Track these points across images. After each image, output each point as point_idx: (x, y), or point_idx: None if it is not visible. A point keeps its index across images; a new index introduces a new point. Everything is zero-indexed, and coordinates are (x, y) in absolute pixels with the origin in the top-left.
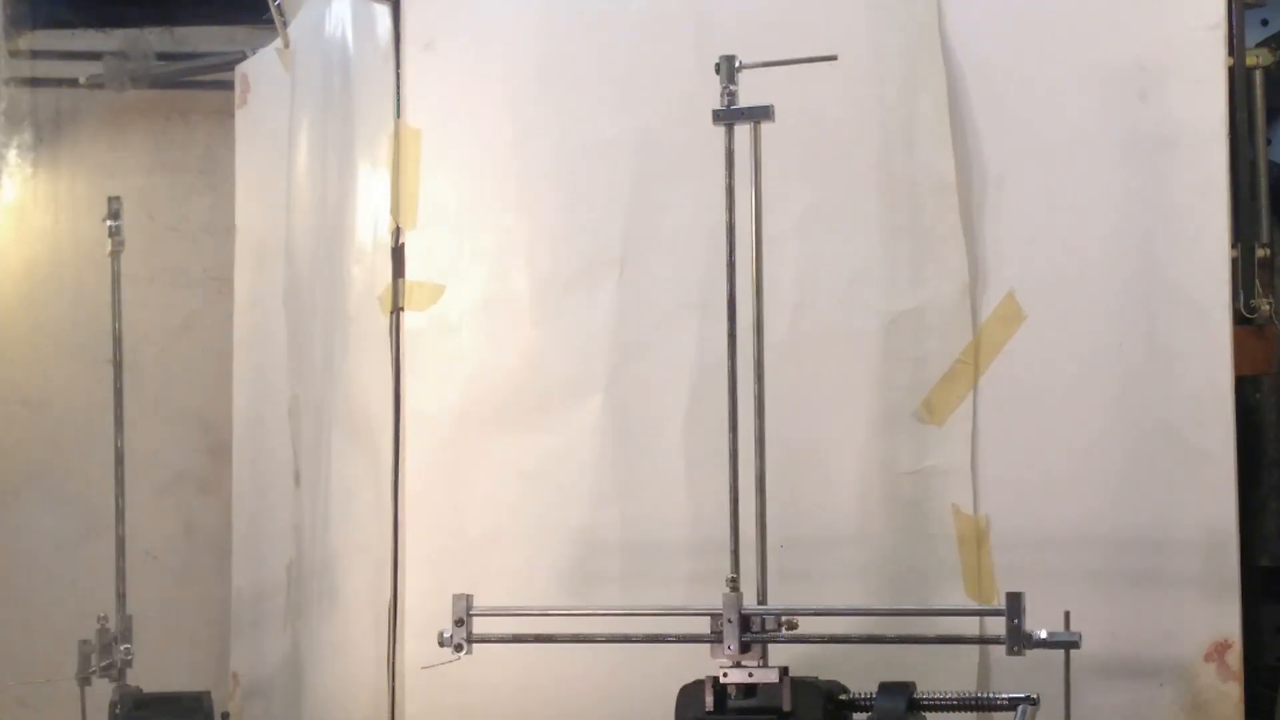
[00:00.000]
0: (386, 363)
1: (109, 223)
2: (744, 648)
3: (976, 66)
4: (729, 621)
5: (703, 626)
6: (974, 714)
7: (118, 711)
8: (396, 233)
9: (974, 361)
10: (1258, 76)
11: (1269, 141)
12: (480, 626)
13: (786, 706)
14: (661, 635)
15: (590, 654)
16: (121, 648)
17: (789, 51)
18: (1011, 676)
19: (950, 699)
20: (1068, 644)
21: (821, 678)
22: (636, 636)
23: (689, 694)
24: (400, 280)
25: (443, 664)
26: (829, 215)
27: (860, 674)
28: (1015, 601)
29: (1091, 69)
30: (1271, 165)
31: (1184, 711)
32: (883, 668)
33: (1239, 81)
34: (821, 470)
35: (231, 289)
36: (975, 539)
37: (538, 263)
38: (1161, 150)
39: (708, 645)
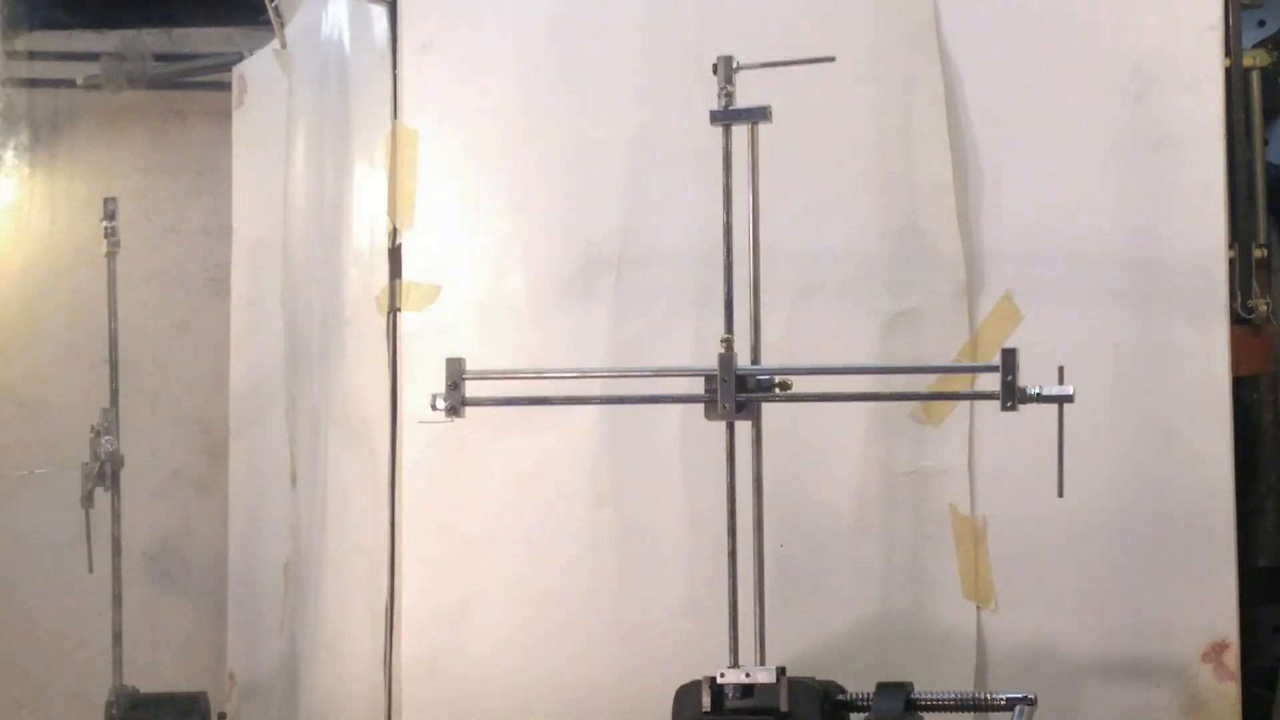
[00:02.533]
0: (383, 363)
1: (105, 223)
2: (739, 407)
3: (973, 67)
4: (724, 381)
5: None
6: (972, 714)
7: (114, 712)
8: (393, 233)
9: (972, 362)
10: (1255, 77)
11: (1266, 142)
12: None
13: (784, 707)
14: (656, 396)
15: (589, 654)
16: (104, 440)
17: (786, 52)
18: (1011, 677)
19: (948, 699)
20: (1061, 398)
21: (819, 678)
22: (631, 398)
23: (686, 694)
24: (397, 281)
25: (437, 422)
26: (826, 215)
27: (858, 674)
28: (1009, 358)
29: (1088, 69)
30: (1268, 166)
31: (1181, 712)
32: (880, 668)
33: (1236, 82)
34: (819, 470)
35: (228, 290)
36: (973, 539)
37: (535, 263)
38: (1159, 151)
39: (709, 644)
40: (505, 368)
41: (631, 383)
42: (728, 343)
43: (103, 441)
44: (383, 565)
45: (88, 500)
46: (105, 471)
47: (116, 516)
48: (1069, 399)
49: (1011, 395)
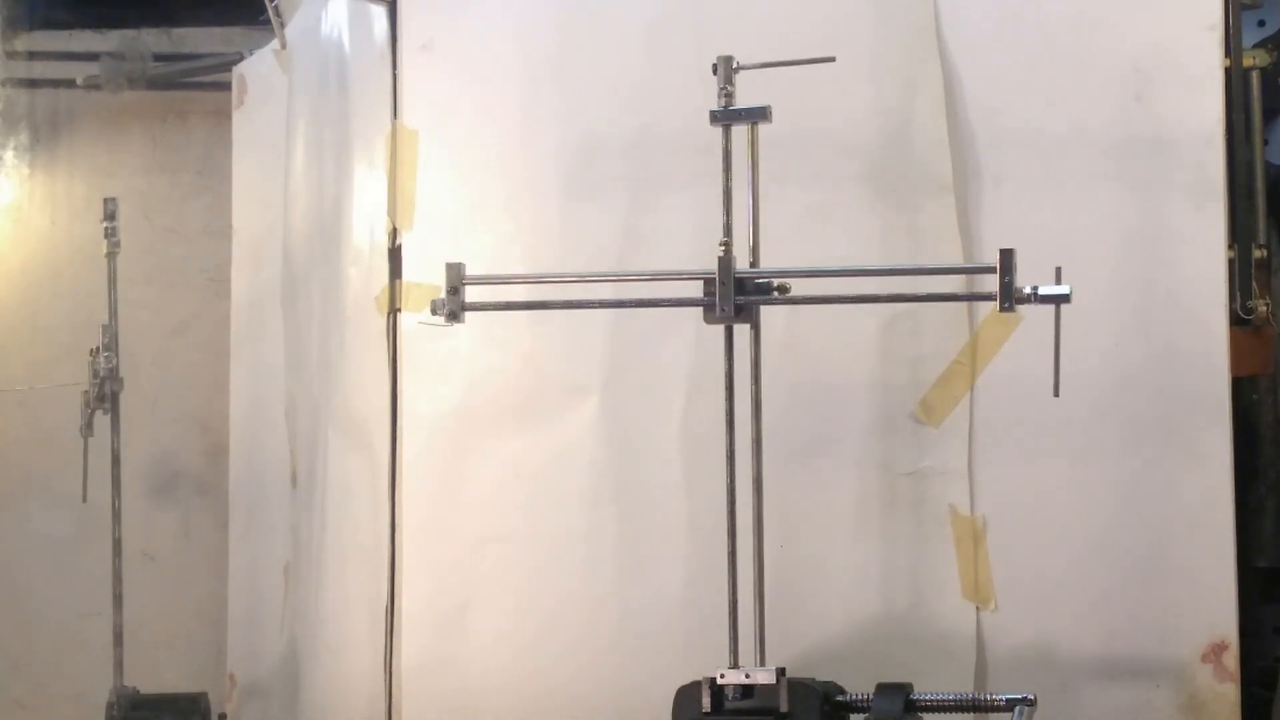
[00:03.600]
0: (384, 364)
1: (105, 223)
2: (738, 310)
3: (973, 67)
4: (722, 284)
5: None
6: (971, 715)
7: (115, 712)
8: (393, 233)
9: (971, 362)
10: (1255, 77)
11: (1266, 142)
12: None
13: (784, 707)
14: (655, 300)
15: (589, 655)
16: (104, 356)
17: (786, 52)
18: (1011, 677)
19: (947, 700)
20: (1059, 298)
21: (819, 678)
22: (629, 302)
23: (686, 695)
24: (397, 281)
25: (436, 325)
26: (826, 216)
27: (858, 675)
28: (1007, 258)
29: (1088, 70)
30: (1268, 166)
31: (1181, 712)
32: (880, 668)
33: (1236, 82)
34: (818, 471)
35: (228, 290)
36: (972, 539)
37: (535, 264)
38: (1158, 151)
39: (707, 646)
40: (506, 361)
41: (635, 304)
42: (726, 245)
43: (101, 358)
44: (383, 566)
45: (87, 429)
46: (105, 393)
47: (117, 516)
48: (1066, 299)
49: (1009, 296)
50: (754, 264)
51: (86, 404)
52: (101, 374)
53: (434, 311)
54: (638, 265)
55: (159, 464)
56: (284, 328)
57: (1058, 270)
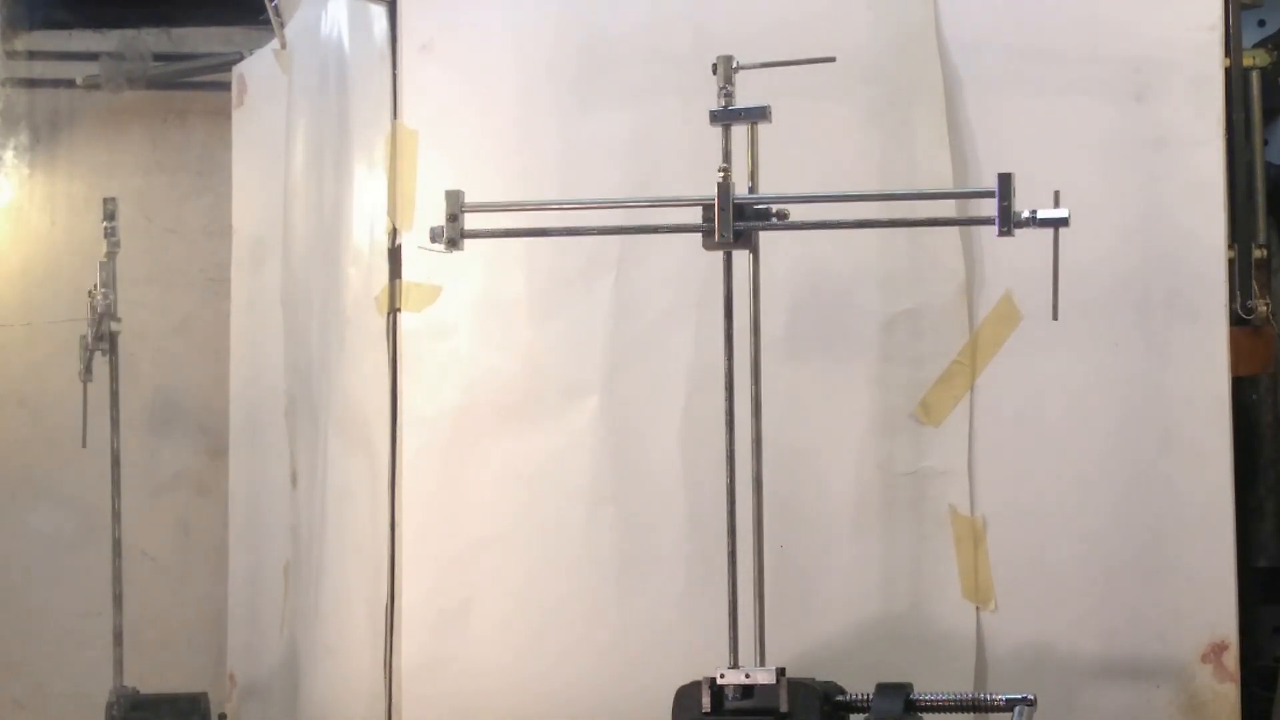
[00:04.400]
0: (383, 364)
1: (105, 223)
2: (736, 236)
3: (973, 68)
4: (721, 210)
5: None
6: (971, 715)
7: (114, 712)
8: (393, 233)
9: (971, 362)
10: (1255, 77)
11: (1266, 142)
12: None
13: (784, 707)
14: (654, 226)
15: (589, 655)
16: (101, 292)
17: (786, 53)
18: (1011, 677)
19: (947, 700)
20: (1056, 221)
21: (819, 678)
22: (630, 228)
23: (686, 695)
24: (397, 281)
25: (435, 251)
26: (826, 215)
27: (858, 675)
28: (1005, 182)
29: (1088, 70)
30: (1268, 166)
31: (1180, 712)
32: (880, 668)
33: (1236, 82)
34: (819, 471)
35: (228, 290)
36: (972, 539)
37: (535, 263)
38: (1158, 151)
39: (707, 646)
40: (506, 361)
41: (636, 230)
42: (725, 172)
43: (99, 294)
44: (383, 566)
45: (86, 373)
46: (104, 332)
47: (117, 517)
48: (1064, 222)
49: (1007, 220)
50: (753, 190)
51: (85, 347)
52: (100, 310)
53: (433, 239)
54: (639, 273)
55: (159, 463)
56: (284, 328)
57: (1055, 194)
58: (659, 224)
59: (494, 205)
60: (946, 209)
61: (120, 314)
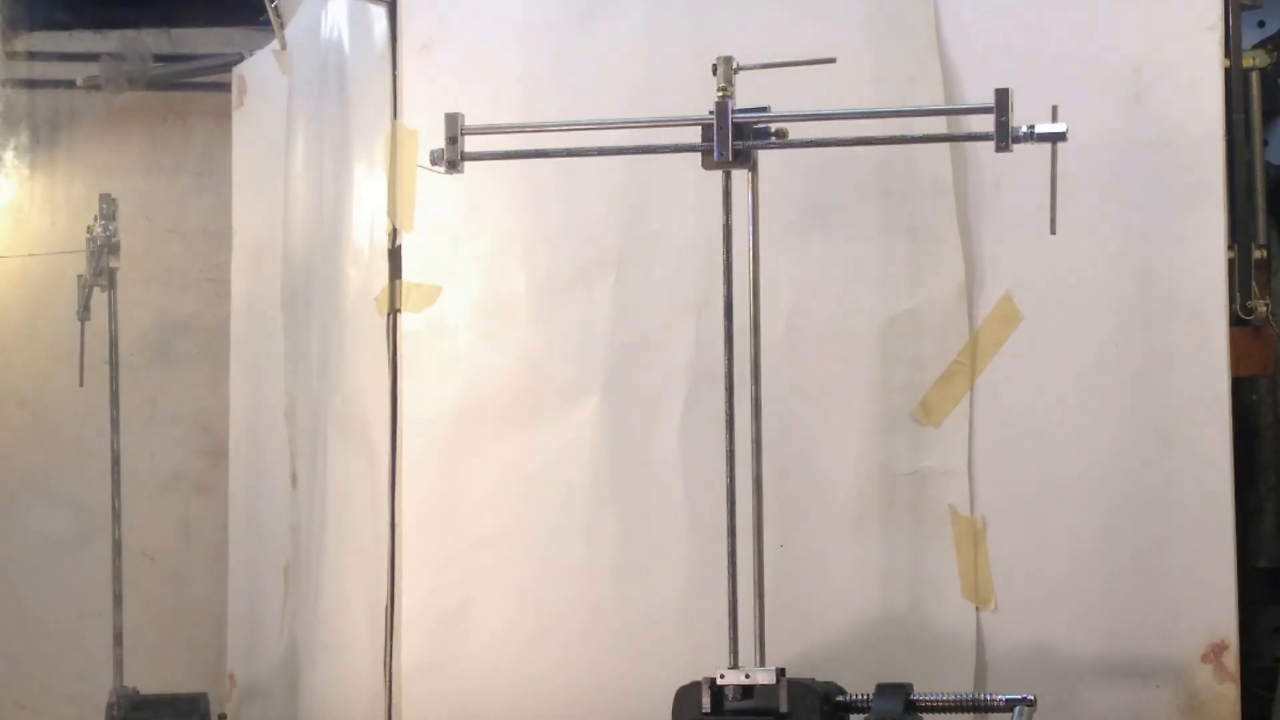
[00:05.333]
0: (383, 364)
1: (105, 224)
2: (735, 155)
3: (973, 67)
4: (720, 128)
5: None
6: (971, 715)
7: (115, 713)
8: (393, 234)
9: (971, 362)
10: (1254, 78)
11: (1265, 143)
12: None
13: (784, 708)
14: (654, 146)
15: (588, 655)
16: (100, 224)
17: (786, 53)
18: (1011, 677)
19: (947, 700)
20: (1055, 136)
21: (819, 679)
22: (629, 149)
23: (686, 695)
24: (397, 282)
25: (437, 172)
26: (826, 216)
27: (858, 675)
28: (1003, 98)
29: (1087, 70)
30: (1268, 166)
31: (1180, 713)
32: (880, 669)
33: (1236, 83)
34: (819, 471)
35: (228, 290)
36: (972, 540)
37: (535, 264)
38: (1158, 152)
39: (707, 646)
40: (506, 361)
41: (634, 150)
42: (725, 90)
43: (99, 226)
44: (383, 566)
45: (84, 311)
46: (102, 267)
47: (116, 517)
48: (1062, 137)
49: (1005, 136)
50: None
51: (83, 286)
52: (99, 243)
53: (433, 161)
54: (639, 273)
55: (159, 463)
56: (284, 328)
57: (1054, 109)
58: (658, 144)
59: (494, 128)
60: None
61: (120, 314)
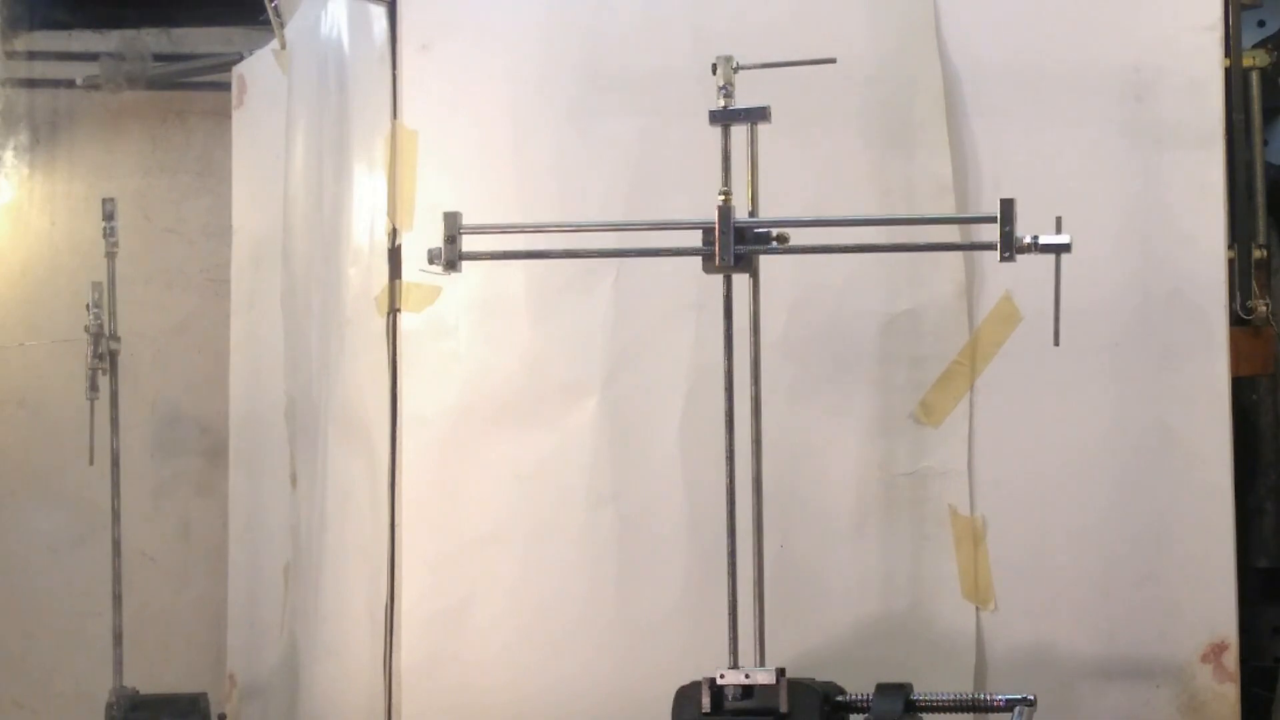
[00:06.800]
0: (383, 364)
1: (105, 224)
2: (737, 259)
3: (973, 67)
4: (722, 233)
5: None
6: (971, 715)
7: (114, 713)
8: (393, 234)
9: (971, 362)
10: (1254, 78)
11: (1265, 142)
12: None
13: (784, 708)
14: (655, 249)
15: (588, 655)
16: (93, 313)
17: (786, 53)
18: (1010, 677)
19: (947, 700)
20: (1059, 248)
21: (818, 679)
22: (630, 251)
23: (686, 695)
24: (397, 281)
25: (435, 274)
26: (827, 236)
27: (858, 675)
28: (1008, 208)
29: (1088, 70)
30: (1268, 166)
31: (1180, 713)
32: (880, 669)
33: (1236, 83)
34: (819, 471)
35: (228, 290)
36: (972, 540)
37: (535, 264)
38: (1158, 151)
39: (709, 645)
40: (505, 361)
41: (636, 253)
42: (726, 195)
43: (90, 315)
44: (383, 566)
45: (91, 389)
46: (103, 351)
47: (116, 517)
48: (1066, 249)
49: (1009, 246)
50: (753, 214)
51: (89, 366)
52: (93, 331)
53: (431, 260)
54: (639, 272)
55: (159, 463)
56: (284, 328)
57: (1058, 220)
58: (658, 246)
59: (492, 227)
60: (950, 231)
61: (120, 314)
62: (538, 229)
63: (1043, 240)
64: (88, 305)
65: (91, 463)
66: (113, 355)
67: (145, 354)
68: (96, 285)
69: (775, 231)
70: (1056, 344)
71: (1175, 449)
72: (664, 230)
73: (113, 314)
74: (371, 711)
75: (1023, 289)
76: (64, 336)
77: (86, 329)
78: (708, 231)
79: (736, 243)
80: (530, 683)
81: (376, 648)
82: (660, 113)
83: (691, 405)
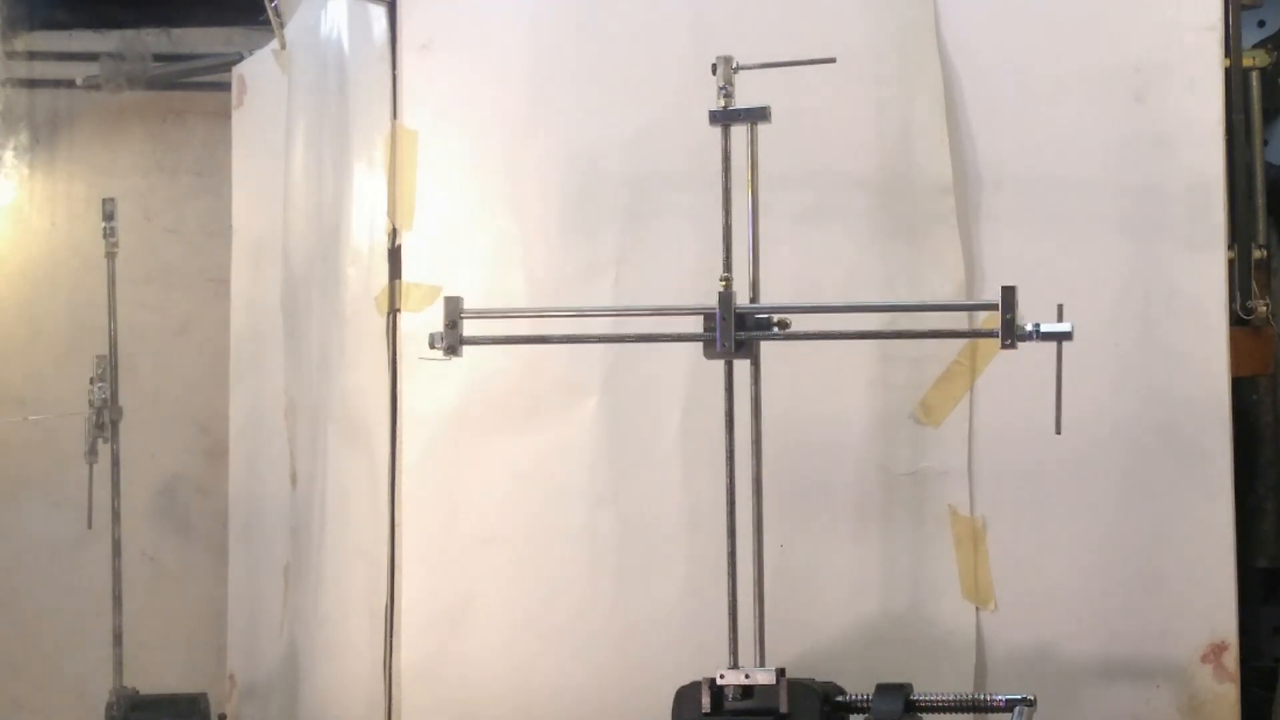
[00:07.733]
0: (383, 364)
1: (105, 224)
2: (738, 345)
3: (973, 68)
4: (723, 319)
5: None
6: (971, 715)
7: (114, 713)
8: (393, 234)
9: (970, 362)
10: (1254, 77)
11: (1265, 142)
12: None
13: (784, 708)
14: (655, 335)
15: (588, 656)
16: (98, 386)
17: (786, 52)
18: (1010, 678)
19: (947, 700)
20: (1060, 335)
21: (818, 679)
22: (630, 336)
23: (686, 695)
24: (397, 281)
25: (436, 360)
26: (826, 216)
27: (857, 675)
28: (1009, 296)
29: (1088, 70)
30: (1268, 166)
31: (1180, 713)
32: (880, 669)
33: (1235, 82)
34: (818, 471)
35: (228, 290)
36: (972, 540)
37: (534, 264)
38: (1158, 151)
39: (707, 646)
40: (505, 361)
41: (635, 339)
42: (727, 281)
43: (95, 388)
44: (383, 566)
45: (91, 454)
46: (104, 420)
47: (116, 517)
48: (1068, 336)
49: (1010, 333)
50: (754, 299)
51: (88, 434)
52: (97, 404)
53: (432, 345)
54: (638, 273)
55: (158, 463)
56: (284, 328)
57: (1059, 307)
58: (659, 333)
59: (493, 312)
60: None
61: (120, 314)
62: (539, 314)
63: (1044, 328)
64: (92, 379)
65: (90, 526)
66: (114, 425)
67: (145, 354)
68: (101, 359)
69: (776, 317)
70: (1058, 432)
71: (1175, 449)
72: (668, 316)
73: (113, 314)
74: (371, 711)
75: (1023, 289)
76: (61, 337)
77: (90, 402)
78: (708, 317)
79: (737, 329)
80: (530, 682)
81: (376, 648)
82: (659, 112)
83: (691, 405)
